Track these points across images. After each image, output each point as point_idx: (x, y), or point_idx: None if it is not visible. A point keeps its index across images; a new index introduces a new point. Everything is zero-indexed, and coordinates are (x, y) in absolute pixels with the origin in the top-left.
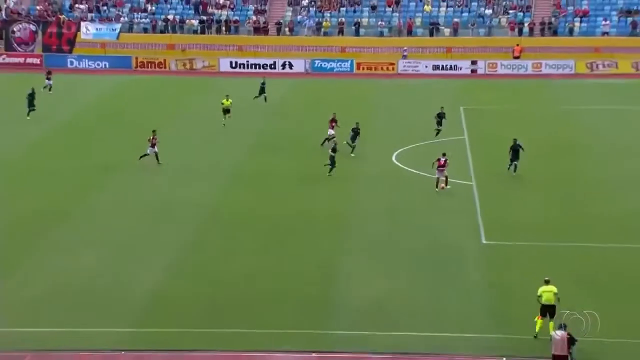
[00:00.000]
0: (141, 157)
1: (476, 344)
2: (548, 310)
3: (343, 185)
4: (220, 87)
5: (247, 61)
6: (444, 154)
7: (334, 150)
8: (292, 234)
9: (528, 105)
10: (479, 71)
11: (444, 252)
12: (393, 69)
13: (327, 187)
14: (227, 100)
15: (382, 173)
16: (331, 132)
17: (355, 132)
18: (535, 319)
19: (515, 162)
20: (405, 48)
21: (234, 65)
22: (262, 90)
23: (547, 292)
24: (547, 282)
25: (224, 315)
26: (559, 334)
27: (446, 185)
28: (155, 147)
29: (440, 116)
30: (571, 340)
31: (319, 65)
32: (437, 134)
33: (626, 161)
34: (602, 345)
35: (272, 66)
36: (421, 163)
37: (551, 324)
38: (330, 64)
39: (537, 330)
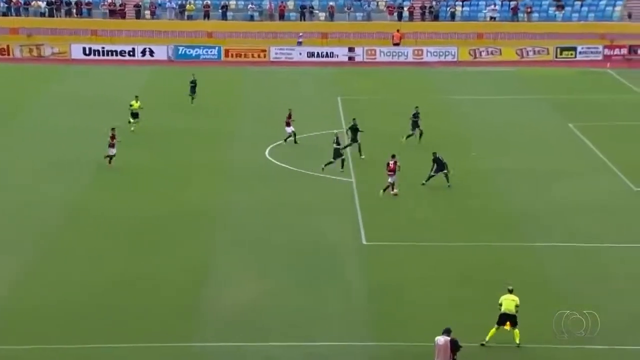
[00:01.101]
0: (107, 158)
1: (356, 353)
2: (508, 319)
3: (215, 182)
4: (73, 76)
5: (103, 47)
6: (393, 156)
7: (337, 143)
8: (162, 234)
9: (409, 95)
10: (357, 58)
11: (322, 254)
12: (264, 56)
13: (199, 184)
14: (136, 102)
15: (255, 169)
16: (289, 129)
17: (354, 131)
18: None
19: (445, 172)
20: (300, 34)
21: (87, 52)
22: (193, 90)
23: (508, 301)
24: (510, 291)
25: (82, 328)
26: (441, 339)
27: (392, 189)
28: (115, 146)
29: (416, 117)
30: (455, 346)
31: (183, 52)
32: (408, 137)
33: (511, 153)
34: (495, 351)
35: (131, 53)
36: (296, 158)
37: (515, 332)
38: (196, 51)
39: (487, 338)
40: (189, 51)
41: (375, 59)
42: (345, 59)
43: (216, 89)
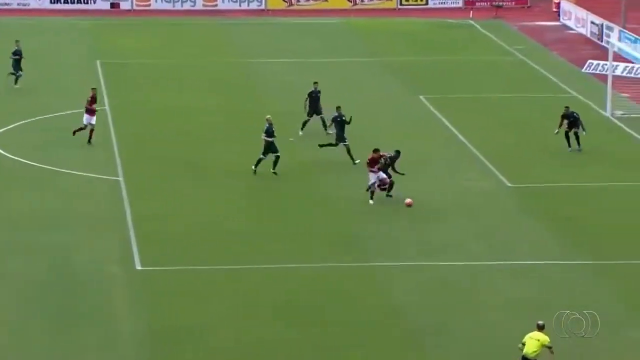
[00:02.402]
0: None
1: None
2: None
3: None
4: None
5: None
6: (375, 150)
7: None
8: None
9: (197, 57)
10: (123, 6)
11: (77, 286)
12: None
13: None
14: None
15: None
16: (89, 118)
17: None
18: None
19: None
20: None
21: None
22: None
23: (532, 341)
24: (540, 328)
25: None
26: None
27: (389, 192)
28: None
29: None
30: None
31: None
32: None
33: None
34: None
35: None
36: (35, 148)
37: None
38: None
39: None
40: None
41: (149, 5)
42: (107, 6)
43: None
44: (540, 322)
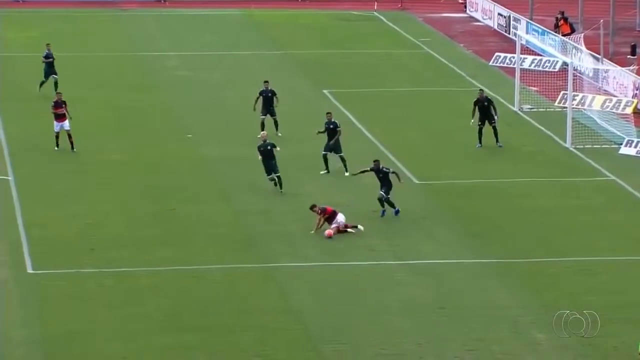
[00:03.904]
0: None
1: None
2: None
3: None
4: None
5: None
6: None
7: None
8: None
9: (89, 49)
10: None
11: None
12: None
13: None
14: None
15: None
16: (63, 124)
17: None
18: None
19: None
20: None
21: None
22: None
23: None
24: None
25: None
26: None
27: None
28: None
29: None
30: None
31: None
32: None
33: (239, 134)
34: None
35: None
36: None
37: None
38: None
39: None
40: None
41: None
42: None
43: None
44: None
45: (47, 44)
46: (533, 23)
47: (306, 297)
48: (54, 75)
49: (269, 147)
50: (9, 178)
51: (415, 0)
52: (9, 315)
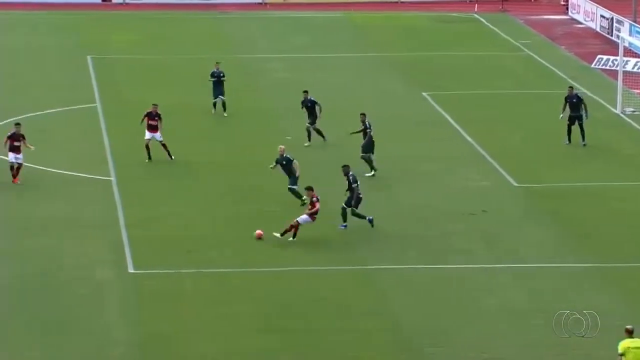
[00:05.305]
0: None
1: None
2: None
3: None
4: None
5: None
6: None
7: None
8: None
9: (191, 52)
10: None
11: (64, 291)
12: None
13: None
14: None
15: None
16: (155, 135)
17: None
18: None
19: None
20: None
21: None
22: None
23: (636, 352)
24: (630, 333)
25: None
26: None
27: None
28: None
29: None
30: None
31: None
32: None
33: (340, 137)
34: None
35: None
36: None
37: None
38: None
39: None
40: None
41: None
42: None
43: None
44: (630, 327)
45: (217, 63)
46: (636, 25)
47: (403, 300)
48: (221, 97)
49: (284, 162)
50: (112, 179)
51: (516, 2)
52: (109, 315)
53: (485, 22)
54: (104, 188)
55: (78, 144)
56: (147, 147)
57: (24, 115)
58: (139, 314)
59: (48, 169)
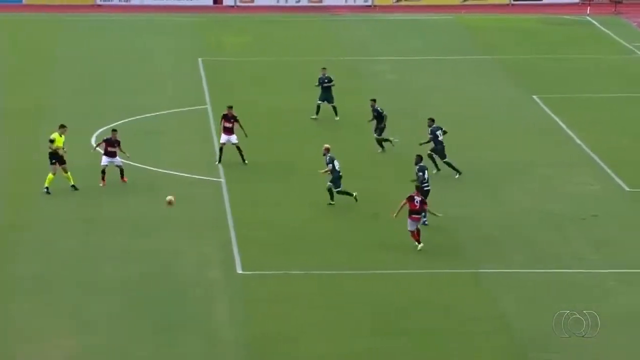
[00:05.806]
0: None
1: None
2: None
3: (15, 185)
4: None
5: None
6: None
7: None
8: None
9: (302, 54)
10: (226, 1)
11: (176, 290)
12: None
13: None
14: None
15: (78, 165)
16: (230, 137)
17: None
18: None
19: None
20: None
21: None
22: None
23: None
24: None
25: None
26: None
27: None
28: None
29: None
30: None
31: None
32: (380, 136)
33: (450, 140)
34: None
35: None
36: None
37: None
38: None
39: None
40: None
41: (252, 2)
42: (210, 2)
43: (18, 46)
44: None
45: (323, 68)
46: None
47: (514, 304)
48: (327, 101)
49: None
50: (221, 180)
51: (630, 5)
52: (218, 315)
53: (598, 25)
54: (214, 190)
55: (188, 146)
56: (221, 149)
57: (135, 117)
58: (246, 314)
59: (159, 170)
